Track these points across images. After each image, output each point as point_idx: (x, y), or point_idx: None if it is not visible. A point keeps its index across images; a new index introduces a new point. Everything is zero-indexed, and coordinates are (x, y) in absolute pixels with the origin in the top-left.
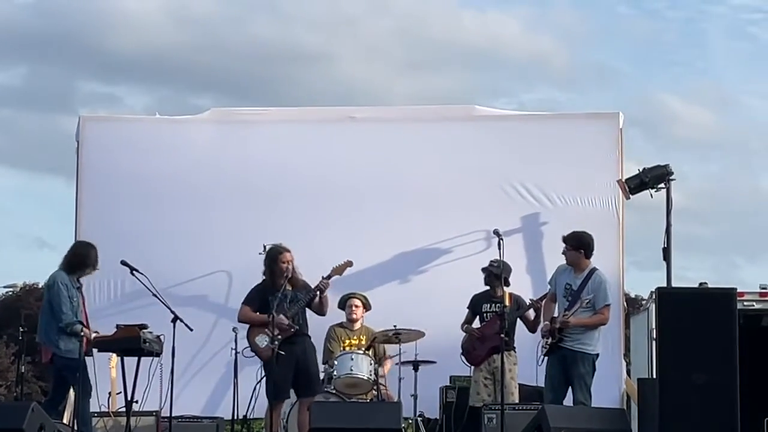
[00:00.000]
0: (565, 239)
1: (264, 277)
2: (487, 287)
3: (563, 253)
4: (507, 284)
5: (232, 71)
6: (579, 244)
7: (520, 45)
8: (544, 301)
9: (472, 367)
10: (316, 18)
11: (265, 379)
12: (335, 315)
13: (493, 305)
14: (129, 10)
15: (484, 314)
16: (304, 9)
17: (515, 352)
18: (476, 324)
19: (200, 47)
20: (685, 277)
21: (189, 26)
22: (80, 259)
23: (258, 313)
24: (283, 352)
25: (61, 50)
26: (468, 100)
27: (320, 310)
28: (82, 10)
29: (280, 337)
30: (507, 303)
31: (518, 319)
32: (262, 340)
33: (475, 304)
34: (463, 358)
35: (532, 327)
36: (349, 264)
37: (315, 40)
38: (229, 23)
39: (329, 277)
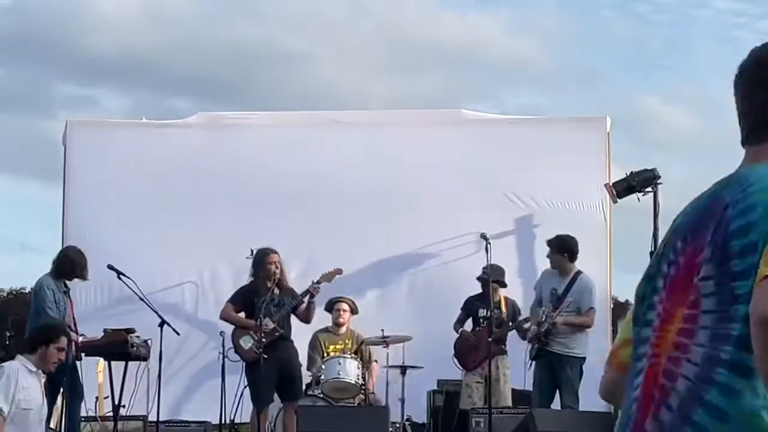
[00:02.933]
0: (549, 243)
1: (251, 279)
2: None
3: (548, 257)
4: (504, 285)
5: (212, 73)
6: (562, 248)
7: (501, 47)
8: (530, 307)
9: (463, 371)
10: (296, 19)
11: (248, 383)
12: (322, 319)
13: (489, 311)
14: (106, 12)
15: (480, 319)
16: (283, 10)
17: (507, 356)
18: (468, 325)
19: (179, 49)
20: None
21: (167, 27)
22: (70, 264)
23: (242, 314)
24: (266, 356)
25: (38, 52)
26: (450, 102)
27: (306, 318)
28: (59, 11)
29: (264, 340)
30: (503, 308)
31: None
32: (247, 342)
33: (470, 307)
34: (455, 360)
35: (525, 335)
36: (339, 272)
37: (295, 42)
38: (208, 24)
39: (319, 282)
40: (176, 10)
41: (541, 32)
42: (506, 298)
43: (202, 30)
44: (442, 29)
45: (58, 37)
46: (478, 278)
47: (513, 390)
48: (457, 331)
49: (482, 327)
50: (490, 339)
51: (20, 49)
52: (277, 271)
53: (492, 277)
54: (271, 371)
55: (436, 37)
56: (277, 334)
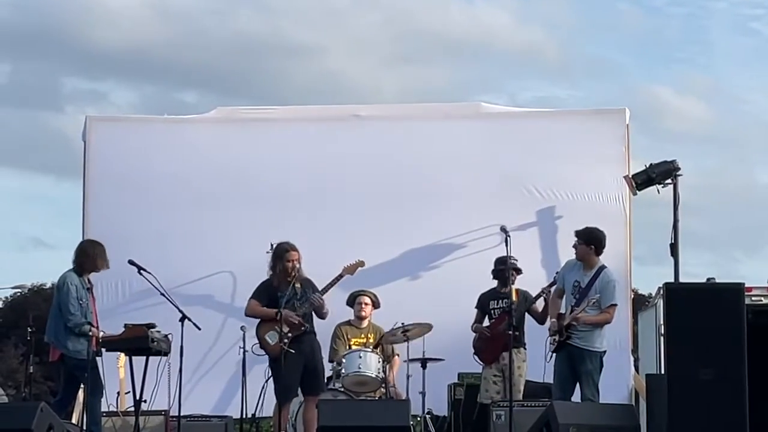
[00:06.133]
0: (578, 233)
1: (270, 274)
2: (495, 283)
3: (574, 247)
4: (519, 272)
5: (218, 66)
6: (590, 240)
7: (511, 38)
8: (550, 297)
9: (483, 365)
10: (303, 11)
11: (273, 378)
12: (343, 312)
13: (500, 301)
14: (113, 6)
15: (492, 311)
16: (289, 2)
17: (525, 349)
18: (486, 323)
19: (185, 42)
20: (685, 272)
21: (173, 21)
22: (87, 259)
23: (267, 308)
24: (293, 351)
25: (46, 47)
26: (459, 94)
27: (321, 314)
28: (64, 5)
29: (290, 335)
30: (514, 297)
31: (527, 314)
32: (273, 337)
33: (483, 303)
34: (476, 357)
35: (541, 318)
36: (361, 264)
37: (302, 34)
38: (214, 17)
39: (338, 278)
40: (182, 4)
41: (552, 22)
42: (517, 290)
43: (209, 23)
44: (451, 19)
45: (65, 31)
46: (497, 260)
47: (534, 383)
48: (474, 331)
49: (495, 318)
50: (510, 331)
51: (27, 44)
52: (297, 267)
53: (513, 266)
54: (296, 365)
55: (444, 27)
56: (303, 328)
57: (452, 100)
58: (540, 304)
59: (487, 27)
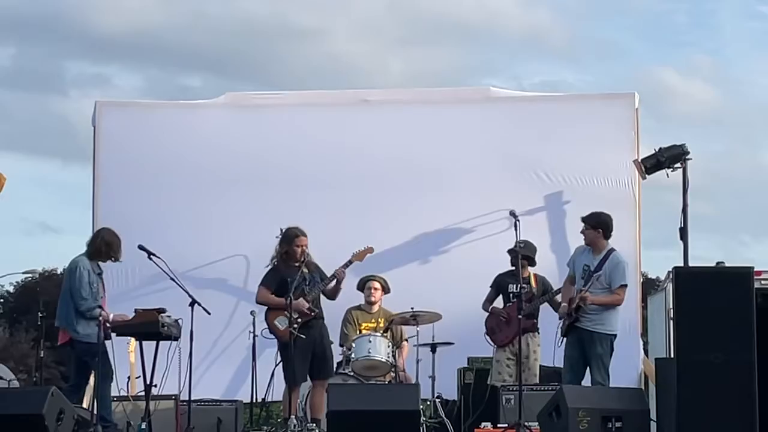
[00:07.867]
0: (584, 219)
1: (275, 259)
2: (513, 267)
3: (582, 233)
4: (533, 264)
5: (223, 50)
6: (597, 224)
7: (517, 20)
8: (563, 283)
9: (495, 347)
10: None
11: (282, 363)
12: (353, 297)
13: (518, 286)
14: None
15: (510, 295)
16: None
17: (539, 334)
18: (499, 303)
19: (189, 26)
20: (694, 256)
21: (177, 4)
22: (105, 246)
23: (276, 295)
24: (303, 336)
25: (49, 30)
26: (465, 78)
27: (333, 296)
28: None
29: (299, 320)
30: (533, 284)
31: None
32: (282, 322)
33: (500, 284)
34: (487, 337)
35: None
36: (370, 250)
37: (307, 17)
38: (219, 1)
39: (348, 264)
40: None
41: (559, 5)
42: (535, 275)
43: (214, 7)
44: (457, 2)
45: (69, 15)
46: (509, 251)
47: (543, 367)
48: (486, 310)
49: (512, 303)
50: (520, 316)
51: (31, 28)
52: (305, 254)
53: (523, 252)
54: (305, 350)
55: (450, 10)
56: (312, 314)
57: (458, 84)
58: (558, 297)
59: (494, 10)
